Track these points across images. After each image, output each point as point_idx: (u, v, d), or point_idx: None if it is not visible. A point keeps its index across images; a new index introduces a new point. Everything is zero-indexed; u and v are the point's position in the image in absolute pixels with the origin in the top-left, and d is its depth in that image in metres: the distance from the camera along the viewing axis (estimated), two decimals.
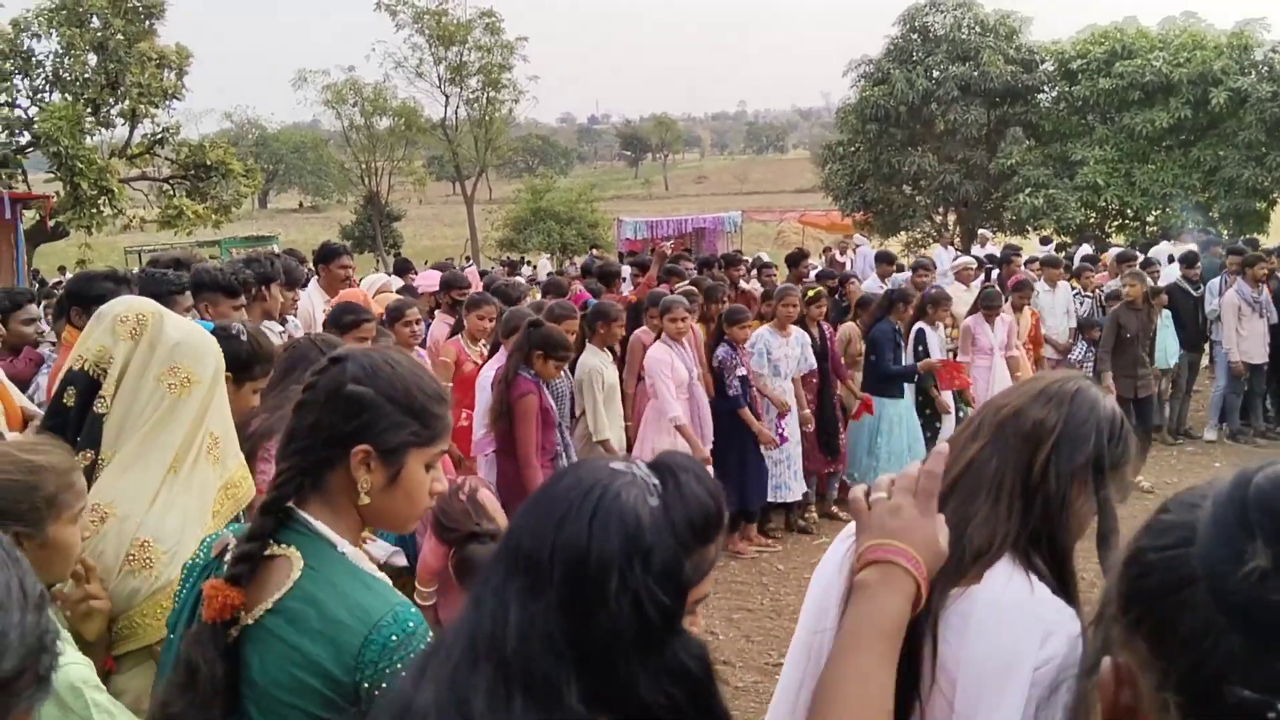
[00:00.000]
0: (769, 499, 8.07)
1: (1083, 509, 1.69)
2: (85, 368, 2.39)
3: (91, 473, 2.33)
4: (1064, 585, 1.68)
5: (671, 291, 8.39)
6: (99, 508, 2.28)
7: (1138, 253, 14.49)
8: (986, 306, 9.33)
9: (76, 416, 2.40)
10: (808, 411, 8.32)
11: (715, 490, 1.35)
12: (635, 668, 1.23)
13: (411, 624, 1.66)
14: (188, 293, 4.44)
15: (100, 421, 2.35)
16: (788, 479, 8.12)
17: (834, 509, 8.74)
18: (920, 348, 8.71)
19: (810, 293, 8.63)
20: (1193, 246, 14.04)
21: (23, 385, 5.14)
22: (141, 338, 2.36)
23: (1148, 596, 0.85)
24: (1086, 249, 17.88)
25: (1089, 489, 1.68)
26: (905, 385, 8.72)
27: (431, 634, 1.66)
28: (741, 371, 7.75)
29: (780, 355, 8.07)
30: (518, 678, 1.22)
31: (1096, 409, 1.72)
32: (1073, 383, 1.76)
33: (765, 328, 8.20)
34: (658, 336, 7.51)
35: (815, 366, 8.36)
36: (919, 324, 8.84)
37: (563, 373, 6.49)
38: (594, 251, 26.70)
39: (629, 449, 7.14)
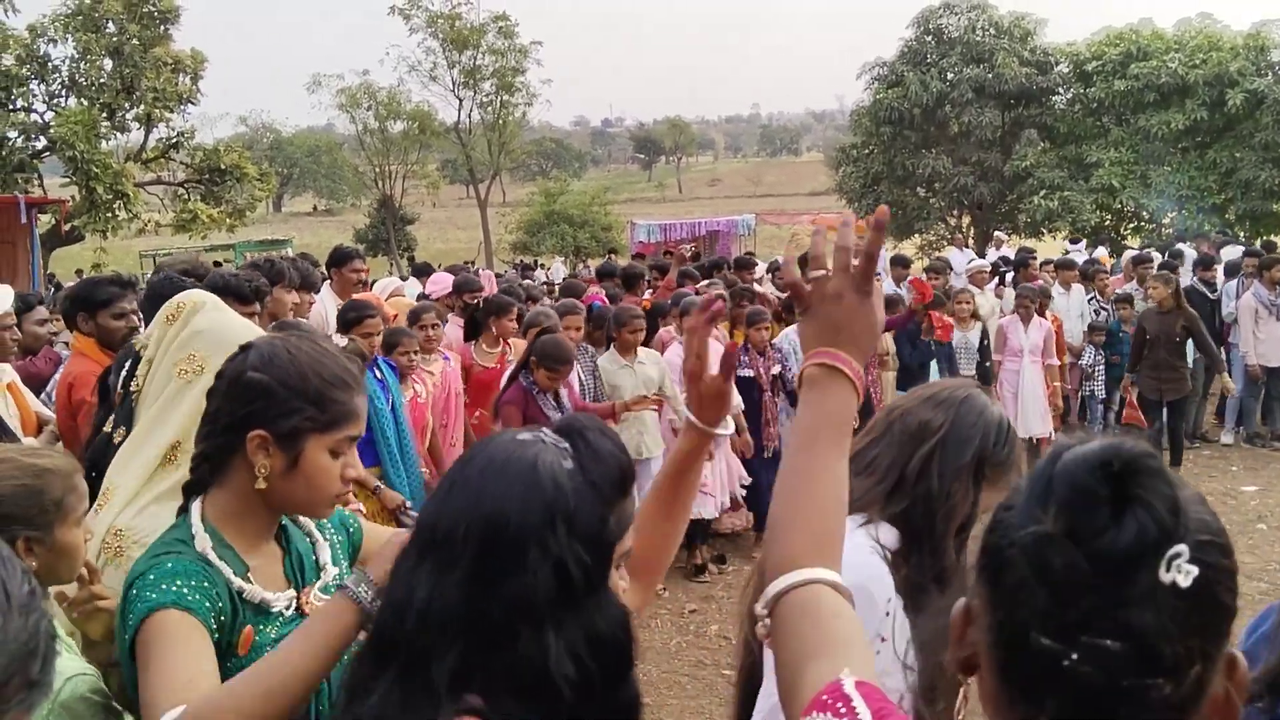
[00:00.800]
0: None
1: (961, 504, 1.85)
2: (139, 349, 2.44)
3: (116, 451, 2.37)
4: (925, 567, 1.83)
5: (696, 294, 8.35)
6: (107, 491, 2.26)
7: (1154, 254, 14.40)
8: (1018, 306, 9.36)
9: (114, 396, 2.48)
10: None
11: (619, 443, 1.42)
12: (548, 638, 1.23)
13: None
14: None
15: (132, 400, 2.38)
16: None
17: None
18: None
19: None
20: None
21: (43, 384, 5.16)
22: (175, 322, 2.35)
23: (988, 549, 0.96)
24: (1102, 251, 17.78)
25: (967, 486, 1.85)
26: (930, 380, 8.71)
27: None
28: (748, 372, 7.64)
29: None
30: (400, 654, 1.25)
31: (983, 415, 1.89)
32: (962, 390, 1.94)
33: (792, 329, 8.08)
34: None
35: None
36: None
37: (583, 376, 6.51)
38: (612, 256, 26.69)
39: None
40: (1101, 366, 10.50)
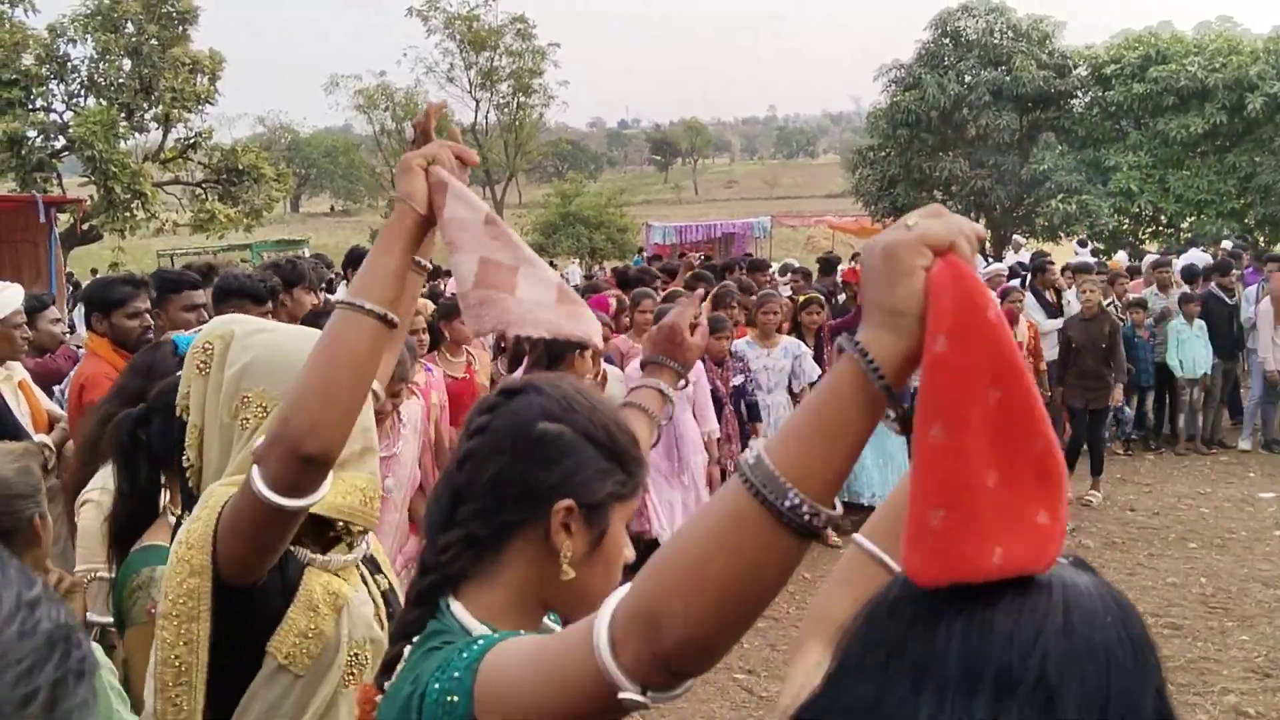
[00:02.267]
0: None
1: None
2: (180, 412, 1.95)
3: None
4: None
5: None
6: None
7: (1173, 258, 14.31)
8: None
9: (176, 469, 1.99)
10: None
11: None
12: None
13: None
14: (201, 290, 4.42)
15: (185, 479, 1.93)
16: None
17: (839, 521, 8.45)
18: None
19: (802, 298, 8.17)
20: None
21: (59, 380, 5.18)
22: (210, 370, 1.88)
23: None
24: (1121, 256, 17.69)
25: None
26: None
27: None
28: (736, 381, 7.25)
29: (760, 367, 7.49)
30: None
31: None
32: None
33: (744, 338, 7.60)
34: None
35: (814, 377, 7.61)
36: None
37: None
38: (642, 253, 26.79)
39: None
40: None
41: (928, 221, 0.93)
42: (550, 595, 1.38)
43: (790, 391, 7.71)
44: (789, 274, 12.76)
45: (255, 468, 1.53)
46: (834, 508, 0.94)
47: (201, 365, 1.89)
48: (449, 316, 6.30)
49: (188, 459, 1.89)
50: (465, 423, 1.41)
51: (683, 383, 1.87)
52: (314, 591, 1.80)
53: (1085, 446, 9.13)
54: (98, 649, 2.08)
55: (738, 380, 7.28)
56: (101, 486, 2.69)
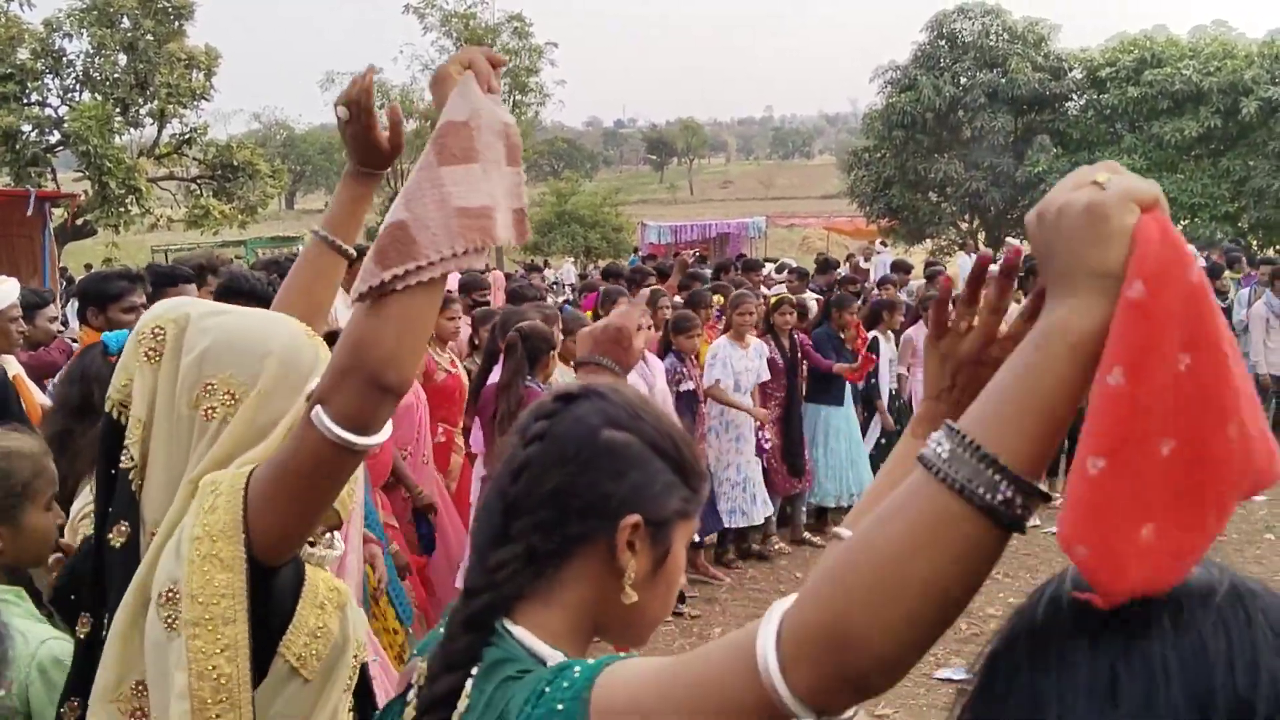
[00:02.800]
0: (725, 525, 7.46)
1: None
2: (111, 408, 1.71)
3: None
4: None
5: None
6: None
7: None
8: (923, 314, 9.07)
9: (104, 478, 1.72)
10: (764, 412, 7.70)
11: None
12: None
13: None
14: (195, 285, 4.42)
15: (128, 483, 1.66)
16: (743, 503, 7.40)
17: (806, 535, 8.18)
18: (873, 355, 8.46)
19: (774, 300, 8.10)
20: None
21: (51, 373, 5.19)
22: (162, 358, 1.67)
23: None
24: None
25: None
26: (844, 392, 8.33)
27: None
28: (689, 385, 7.03)
29: (741, 368, 7.37)
30: None
31: None
32: None
33: (724, 338, 7.46)
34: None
35: (766, 379, 7.59)
36: (873, 332, 8.67)
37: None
38: (637, 252, 26.80)
39: None
40: None
41: (1127, 178, 0.83)
42: (606, 618, 1.26)
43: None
44: (785, 272, 12.80)
45: (319, 407, 1.42)
46: (1042, 489, 0.82)
47: (150, 353, 1.68)
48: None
49: (128, 458, 1.66)
50: (519, 429, 1.28)
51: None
52: (318, 587, 1.71)
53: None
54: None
55: (688, 386, 7.07)
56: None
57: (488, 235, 1.44)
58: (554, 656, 1.17)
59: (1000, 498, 0.81)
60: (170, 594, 1.53)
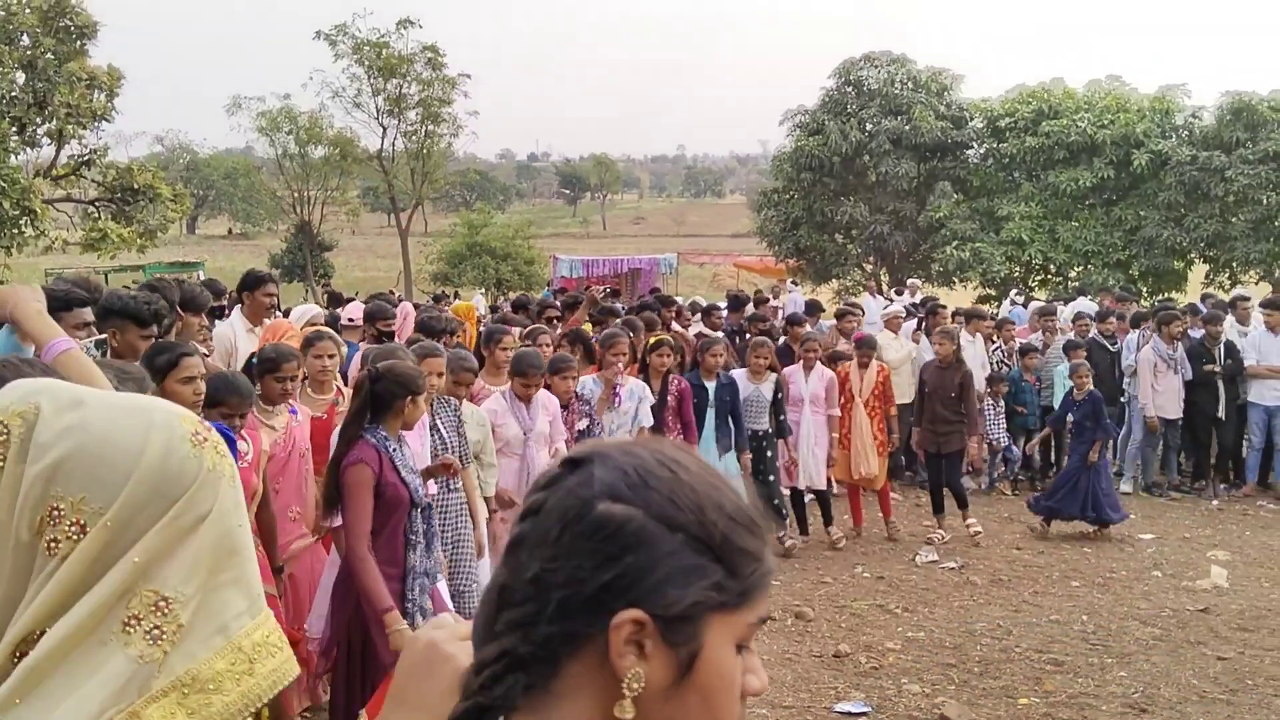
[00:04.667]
0: None
1: None
2: None
3: None
4: None
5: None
6: None
7: (1059, 305, 14.82)
8: (802, 354, 9.15)
9: None
10: None
11: None
12: None
13: None
14: (90, 308, 4.25)
15: None
16: None
17: None
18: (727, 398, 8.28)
19: (651, 340, 7.87)
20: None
21: None
22: (5, 462, 1.29)
23: None
24: (1009, 305, 18.21)
25: None
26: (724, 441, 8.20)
27: None
28: (581, 425, 6.78)
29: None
30: None
31: None
32: None
33: (589, 377, 7.21)
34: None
35: (649, 423, 7.32)
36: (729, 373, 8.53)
37: (444, 431, 5.57)
38: (550, 285, 26.67)
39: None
40: (1003, 416, 10.76)
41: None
42: None
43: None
44: (697, 312, 12.85)
45: None
46: None
47: None
48: (304, 345, 5.77)
49: None
50: (525, 500, 1.09)
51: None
52: None
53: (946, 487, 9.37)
54: None
55: (583, 424, 6.82)
56: None
57: None
58: None
59: None
60: None
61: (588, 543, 0.99)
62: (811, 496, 9.27)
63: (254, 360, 5.40)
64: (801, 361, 9.12)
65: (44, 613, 1.25)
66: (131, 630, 1.28)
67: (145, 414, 1.35)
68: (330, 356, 5.72)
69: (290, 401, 5.33)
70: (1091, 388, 9.75)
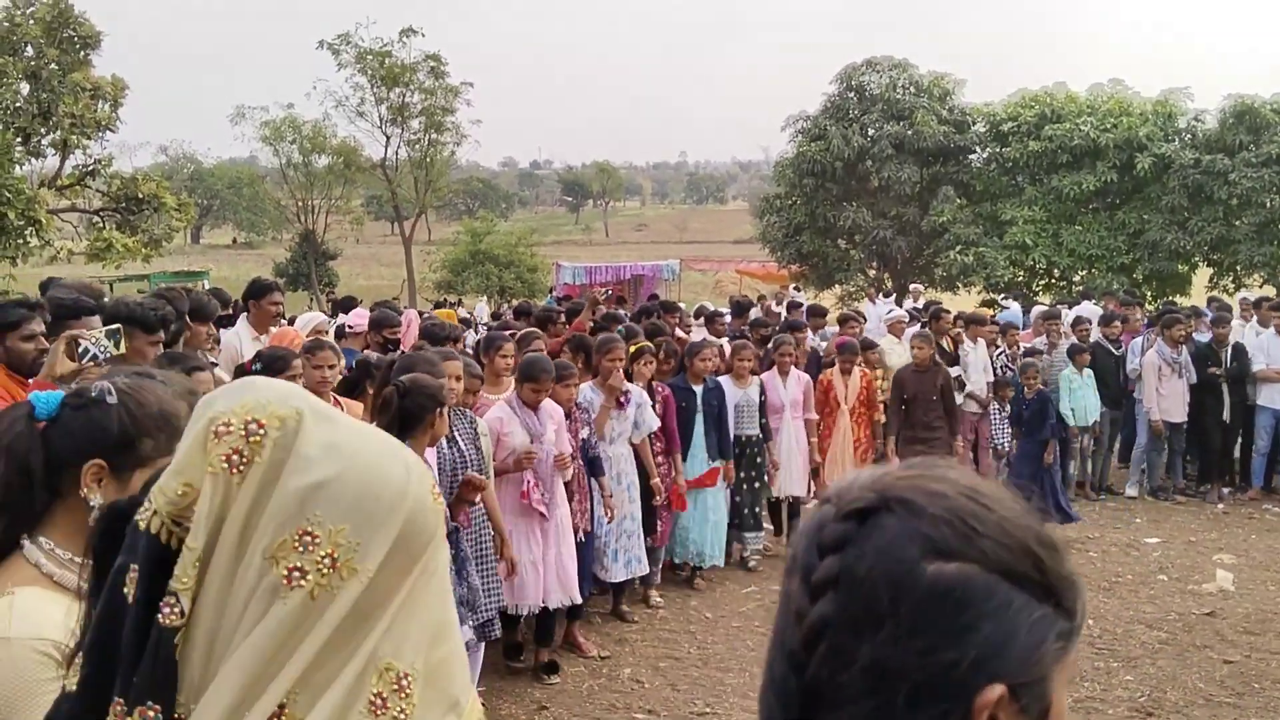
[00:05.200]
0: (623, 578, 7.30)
1: None
2: (150, 524, 1.10)
3: None
4: None
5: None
6: None
7: (1063, 309, 14.81)
8: (776, 358, 8.95)
9: (138, 625, 1.07)
10: (657, 480, 7.40)
11: None
12: None
13: None
14: (99, 316, 4.25)
15: (171, 643, 1.06)
16: (606, 561, 7.13)
17: (650, 593, 7.76)
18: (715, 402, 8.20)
19: (634, 348, 7.55)
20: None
21: None
22: (251, 468, 1.09)
23: None
24: (1015, 308, 18.21)
25: None
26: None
27: None
28: (582, 434, 6.70)
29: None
30: None
31: None
32: None
33: (588, 384, 7.07)
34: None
35: (656, 425, 7.35)
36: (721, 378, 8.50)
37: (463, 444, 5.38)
38: (552, 292, 26.67)
39: None
40: (1007, 421, 10.76)
41: None
42: None
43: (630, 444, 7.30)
44: (700, 317, 12.83)
45: None
46: None
47: (235, 457, 1.08)
48: (306, 354, 5.44)
49: (174, 611, 1.06)
50: (798, 566, 0.88)
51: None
52: None
53: None
54: None
55: (584, 433, 6.73)
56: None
57: None
58: None
59: None
60: None
61: (934, 616, 0.81)
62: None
63: (256, 365, 5.27)
64: (776, 367, 8.91)
65: (298, 676, 1.06)
66: (380, 716, 1.09)
67: (400, 451, 1.17)
68: (330, 366, 5.52)
69: None
70: (1041, 387, 9.74)
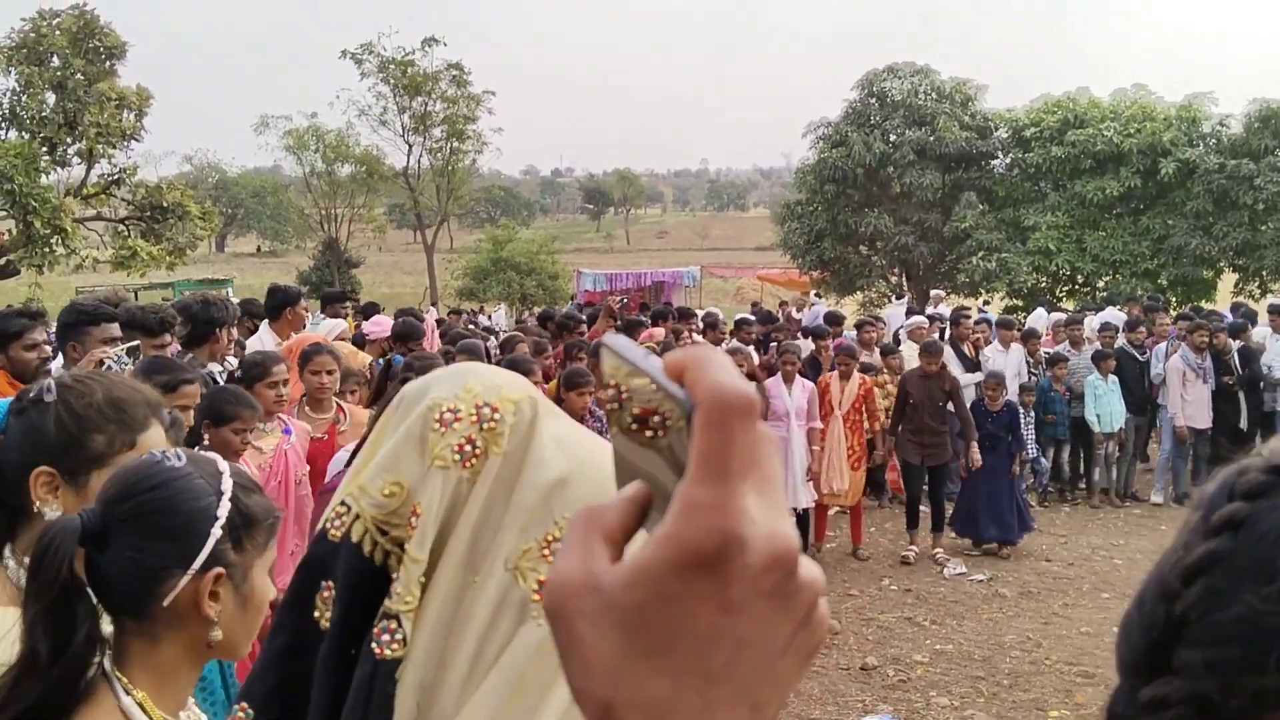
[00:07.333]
0: None
1: None
2: (354, 532, 0.95)
3: None
4: None
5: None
6: None
7: (1088, 314, 14.71)
8: (781, 364, 8.88)
9: (339, 654, 0.93)
10: None
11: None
12: None
13: None
14: (117, 324, 4.23)
15: (391, 678, 0.91)
16: None
17: None
18: None
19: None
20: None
21: None
22: (486, 461, 0.95)
23: None
24: (1041, 313, 18.10)
25: None
26: None
27: None
28: None
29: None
30: None
31: None
32: None
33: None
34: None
35: None
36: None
37: None
38: (574, 300, 26.73)
39: None
40: (1032, 427, 10.67)
41: None
42: None
43: None
44: (719, 325, 12.79)
45: None
46: None
47: (467, 450, 0.93)
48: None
49: (394, 638, 0.90)
50: (1203, 502, 0.81)
51: None
52: None
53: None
54: None
55: None
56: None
57: None
58: None
59: None
60: None
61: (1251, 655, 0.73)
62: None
63: (238, 372, 4.99)
64: (781, 373, 8.81)
65: (564, 709, 0.86)
66: None
67: (608, 450, 0.98)
68: (329, 372, 5.26)
69: (282, 419, 4.76)
70: (1010, 398, 9.62)
